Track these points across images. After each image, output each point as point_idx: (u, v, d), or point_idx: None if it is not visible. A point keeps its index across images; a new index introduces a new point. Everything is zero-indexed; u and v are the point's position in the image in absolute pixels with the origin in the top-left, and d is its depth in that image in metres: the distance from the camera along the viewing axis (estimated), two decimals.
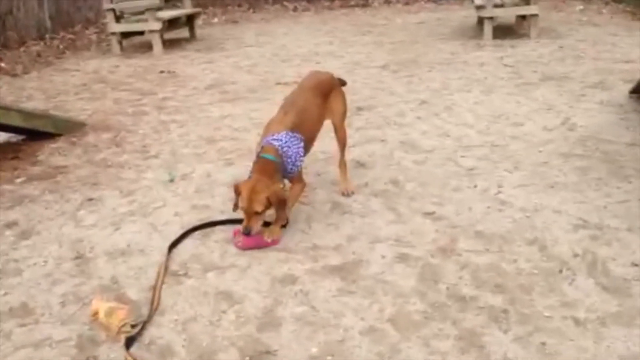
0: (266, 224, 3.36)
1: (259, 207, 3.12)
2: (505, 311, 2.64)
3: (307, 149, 3.55)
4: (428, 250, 3.18)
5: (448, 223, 3.47)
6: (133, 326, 2.65)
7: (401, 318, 2.65)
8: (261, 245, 3.28)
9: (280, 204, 3.22)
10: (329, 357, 2.42)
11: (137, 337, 2.59)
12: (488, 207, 3.61)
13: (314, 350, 2.48)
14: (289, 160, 3.35)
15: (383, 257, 3.15)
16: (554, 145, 4.53)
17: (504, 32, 9.03)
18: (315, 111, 3.65)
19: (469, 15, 10.71)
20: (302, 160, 3.45)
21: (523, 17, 9.14)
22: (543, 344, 2.43)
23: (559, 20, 10.05)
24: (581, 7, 11.08)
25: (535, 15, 8.59)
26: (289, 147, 3.34)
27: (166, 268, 3.10)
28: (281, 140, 3.33)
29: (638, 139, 4.49)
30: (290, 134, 3.37)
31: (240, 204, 3.18)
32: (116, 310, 2.69)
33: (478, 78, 6.74)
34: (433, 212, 3.60)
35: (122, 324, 2.62)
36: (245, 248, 3.26)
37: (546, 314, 2.61)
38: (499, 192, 3.81)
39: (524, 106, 5.57)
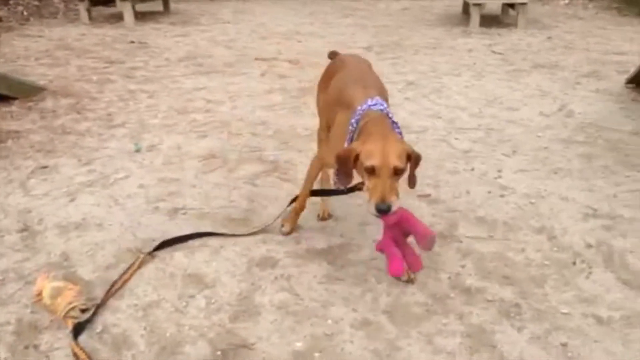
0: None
1: (400, 162, 2.22)
2: (517, 306, 2.30)
3: None
4: None
5: (445, 207, 3.12)
6: (83, 311, 2.25)
7: (399, 310, 2.29)
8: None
9: (417, 162, 2.43)
10: (317, 354, 2.05)
11: (87, 323, 2.18)
12: (489, 192, 3.27)
13: (299, 344, 2.10)
14: (395, 125, 2.49)
15: (375, 241, 2.78)
16: (553, 131, 4.22)
17: (489, 21, 8.80)
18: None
19: (452, 5, 10.65)
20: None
21: (510, 6, 8.89)
22: (564, 345, 2.10)
23: (545, 13, 9.86)
24: (566, 1, 10.90)
25: (524, 4, 8.34)
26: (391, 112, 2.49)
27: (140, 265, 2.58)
28: (383, 105, 2.46)
29: None
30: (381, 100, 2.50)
31: (369, 162, 2.20)
32: (64, 290, 2.27)
33: (467, 63, 6.42)
34: (428, 195, 3.25)
35: (69, 307, 2.21)
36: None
37: (563, 310, 2.28)
38: (499, 176, 3.48)
39: (517, 91, 5.26)
